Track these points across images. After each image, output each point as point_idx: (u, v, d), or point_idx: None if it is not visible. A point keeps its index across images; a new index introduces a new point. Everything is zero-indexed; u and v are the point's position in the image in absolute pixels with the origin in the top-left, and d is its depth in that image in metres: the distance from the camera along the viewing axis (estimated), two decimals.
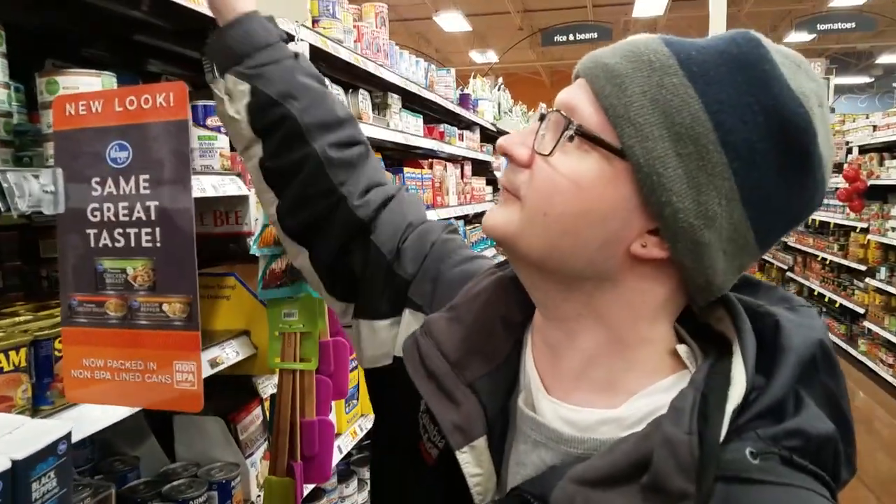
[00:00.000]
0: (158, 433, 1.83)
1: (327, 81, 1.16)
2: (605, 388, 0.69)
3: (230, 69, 0.97)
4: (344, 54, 2.21)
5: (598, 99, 0.64)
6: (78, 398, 1.02)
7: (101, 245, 0.98)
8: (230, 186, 1.62)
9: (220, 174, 1.64)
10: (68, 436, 0.97)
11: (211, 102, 1.68)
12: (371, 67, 2.44)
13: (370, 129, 2.52)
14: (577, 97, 0.66)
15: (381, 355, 0.91)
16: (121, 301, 0.98)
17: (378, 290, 0.92)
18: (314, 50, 2.08)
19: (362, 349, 0.94)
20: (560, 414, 0.69)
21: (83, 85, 1.28)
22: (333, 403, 1.84)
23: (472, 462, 0.71)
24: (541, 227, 0.66)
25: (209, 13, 1.63)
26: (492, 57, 17.28)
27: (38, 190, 0.99)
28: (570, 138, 0.65)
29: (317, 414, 1.65)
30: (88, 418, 1.11)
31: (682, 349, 0.69)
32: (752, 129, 0.61)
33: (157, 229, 0.95)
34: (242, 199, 1.71)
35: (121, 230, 0.97)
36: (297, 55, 1.02)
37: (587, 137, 0.64)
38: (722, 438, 0.58)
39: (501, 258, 0.80)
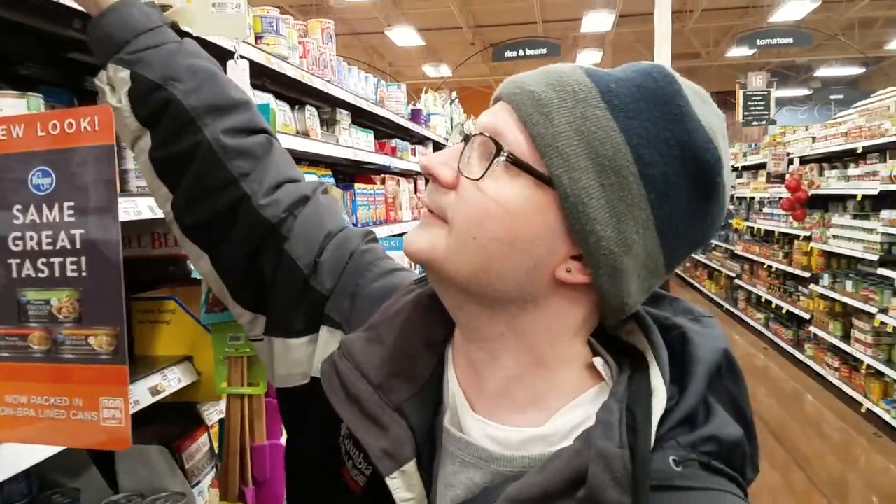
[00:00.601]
0: (100, 463, 1.75)
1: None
2: (529, 406, 0.70)
3: (111, 58, 0.92)
4: (289, 71, 2.18)
5: (525, 126, 0.65)
6: (1, 437, 0.97)
7: (23, 275, 0.93)
8: None
9: None
10: None
11: None
12: (318, 83, 2.41)
13: (319, 146, 2.50)
14: (502, 122, 0.67)
15: (295, 374, 0.88)
16: (45, 334, 0.93)
17: (292, 304, 0.88)
18: (258, 67, 2.05)
19: (274, 367, 0.91)
20: (487, 433, 0.70)
21: (7, 107, 1.23)
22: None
23: (403, 487, 0.70)
24: (470, 252, 0.67)
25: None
26: (445, 71, 17.38)
27: None
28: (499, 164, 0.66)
29: (267, 438, 1.61)
30: (16, 454, 1.06)
31: (598, 362, 0.71)
32: (668, 163, 0.64)
33: (83, 258, 0.91)
34: None
35: (44, 260, 0.92)
36: (182, 39, 0.97)
37: (519, 165, 0.65)
38: (649, 449, 0.61)
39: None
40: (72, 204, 0.91)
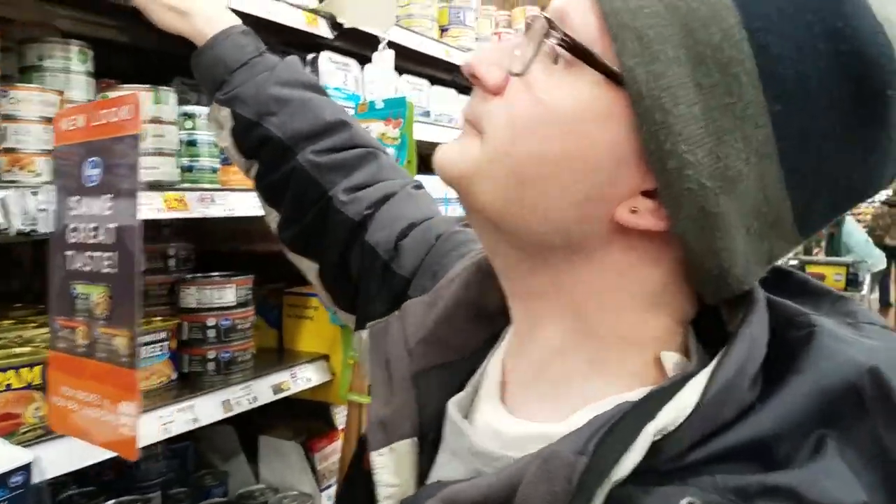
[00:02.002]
0: (248, 449, 1.81)
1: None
2: (558, 396, 0.52)
3: (213, 96, 0.93)
4: None
5: (599, 3, 0.46)
6: (56, 427, 0.98)
7: (74, 268, 0.93)
8: None
9: None
10: (27, 466, 0.92)
11: None
12: None
13: None
14: (573, 2, 0.48)
15: None
16: (87, 329, 0.91)
17: (374, 290, 0.82)
18: (438, 60, 1.97)
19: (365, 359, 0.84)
20: (492, 423, 0.54)
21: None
22: None
23: (389, 468, 0.57)
24: (502, 171, 0.50)
25: (319, 32, 1.59)
26: None
27: (33, 208, 0.97)
28: (555, 55, 0.48)
29: None
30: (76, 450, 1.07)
31: (668, 357, 0.50)
32: (807, 60, 0.43)
33: (115, 254, 0.87)
34: None
35: (89, 253, 0.91)
36: (275, 66, 0.94)
37: (573, 51, 0.47)
38: (626, 468, 0.42)
39: None
40: (110, 196, 0.88)
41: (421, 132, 1.92)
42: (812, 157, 0.45)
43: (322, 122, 0.91)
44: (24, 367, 1.08)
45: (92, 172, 0.90)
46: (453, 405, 0.58)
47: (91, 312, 0.90)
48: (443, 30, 2.11)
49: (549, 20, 0.48)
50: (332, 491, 1.71)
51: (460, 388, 0.59)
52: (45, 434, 1.07)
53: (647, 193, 0.47)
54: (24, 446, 1.01)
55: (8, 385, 1.05)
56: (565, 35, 0.47)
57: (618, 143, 0.46)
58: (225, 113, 0.92)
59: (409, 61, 1.95)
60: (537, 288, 0.53)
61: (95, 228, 0.89)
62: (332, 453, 1.76)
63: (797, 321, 0.49)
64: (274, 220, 0.95)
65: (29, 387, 1.09)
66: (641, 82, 0.44)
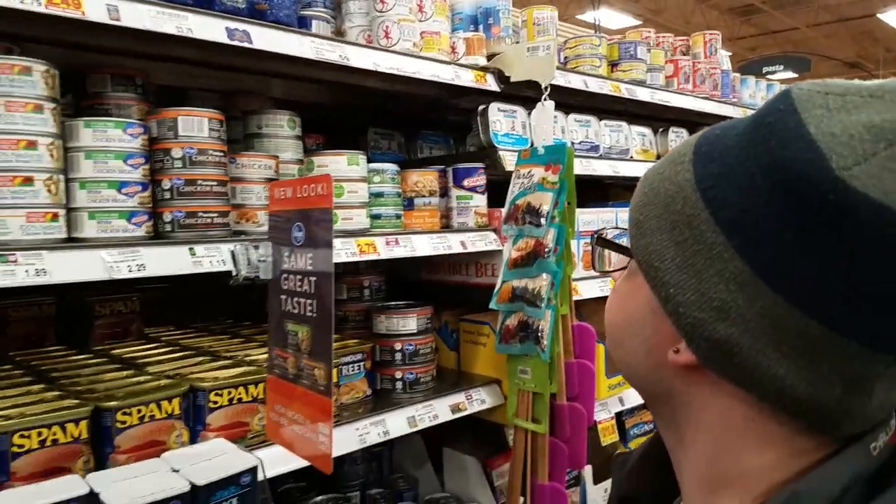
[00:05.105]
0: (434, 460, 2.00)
1: None
2: None
3: None
4: (641, 94, 2.10)
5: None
6: (271, 437, 1.21)
7: (286, 310, 1.15)
8: (479, 243, 1.70)
9: (474, 231, 1.74)
10: (253, 469, 1.16)
11: (469, 165, 1.79)
12: (679, 101, 2.23)
13: None
14: None
15: None
16: (295, 360, 1.13)
17: None
18: (601, 97, 2.03)
19: None
20: None
21: (331, 163, 1.51)
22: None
23: None
24: (609, 341, 0.69)
25: (488, 87, 1.75)
26: None
27: (255, 259, 1.22)
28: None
29: (550, 480, 1.62)
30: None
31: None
32: (748, 197, 0.52)
33: (315, 301, 1.08)
34: (496, 254, 1.78)
35: (297, 299, 1.12)
36: None
37: (604, 243, 0.69)
38: None
39: None
40: (311, 255, 1.09)
41: (592, 167, 2.01)
42: (800, 275, 0.49)
43: None
44: (250, 384, 1.35)
45: (297, 234, 1.12)
46: None
47: (298, 347, 1.12)
48: (613, 65, 2.17)
49: (613, 229, 0.70)
50: None
51: None
52: (266, 440, 1.33)
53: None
54: (251, 449, 1.27)
55: (239, 399, 1.33)
56: (600, 234, 0.69)
57: (648, 300, 0.60)
58: None
59: (578, 97, 2.05)
60: (670, 439, 0.64)
61: (301, 279, 1.11)
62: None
63: None
64: None
65: (255, 400, 1.35)
66: (639, 252, 0.60)
